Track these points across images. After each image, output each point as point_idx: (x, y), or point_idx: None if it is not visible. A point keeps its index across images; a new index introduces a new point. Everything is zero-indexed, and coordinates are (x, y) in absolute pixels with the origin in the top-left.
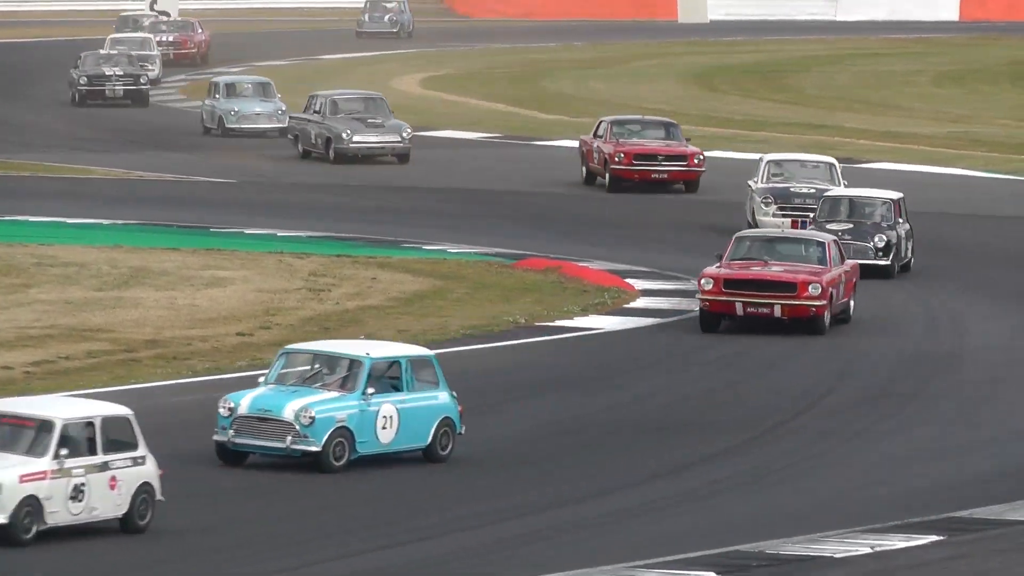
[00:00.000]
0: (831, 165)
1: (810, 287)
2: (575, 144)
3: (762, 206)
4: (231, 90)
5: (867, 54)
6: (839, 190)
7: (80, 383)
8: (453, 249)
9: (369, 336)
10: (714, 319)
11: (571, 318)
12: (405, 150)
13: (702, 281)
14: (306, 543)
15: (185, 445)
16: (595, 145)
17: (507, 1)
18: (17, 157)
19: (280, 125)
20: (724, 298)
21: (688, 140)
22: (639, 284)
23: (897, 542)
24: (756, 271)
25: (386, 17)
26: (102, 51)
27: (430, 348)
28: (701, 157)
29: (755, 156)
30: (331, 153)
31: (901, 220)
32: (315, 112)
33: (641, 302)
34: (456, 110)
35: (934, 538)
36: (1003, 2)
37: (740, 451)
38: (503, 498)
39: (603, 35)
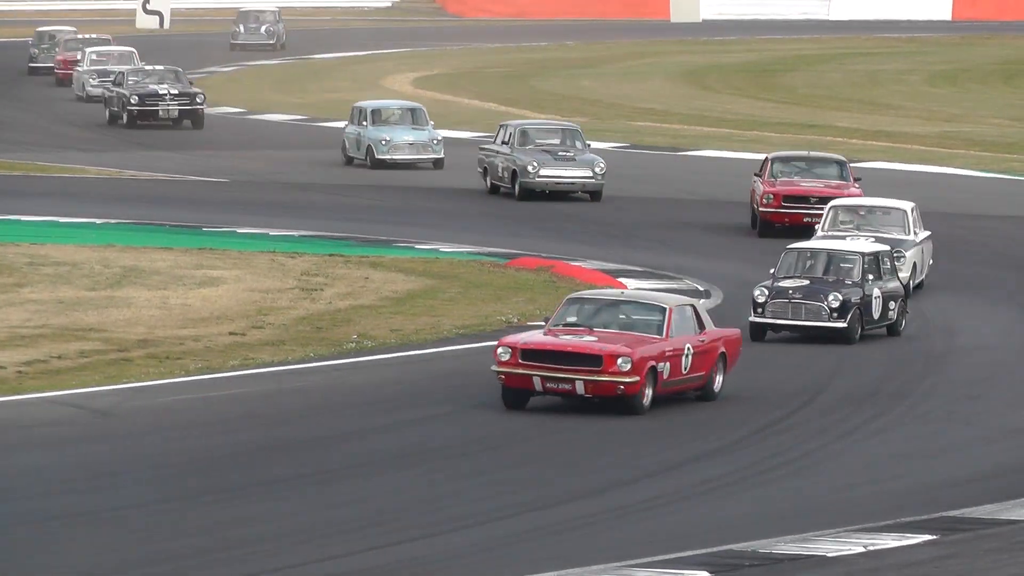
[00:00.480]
0: (904, 212)
1: (619, 361)
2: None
3: None
4: (377, 116)
5: (859, 53)
6: (799, 242)
7: (72, 383)
8: (445, 248)
9: (361, 336)
10: (515, 395)
11: None
12: (597, 187)
13: (499, 351)
14: (305, 543)
15: (176, 445)
16: (756, 184)
17: (499, 0)
18: (9, 156)
19: (436, 156)
20: (521, 371)
21: (858, 180)
22: (631, 283)
23: (890, 541)
24: (563, 340)
25: (263, 28)
26: (146, 66)
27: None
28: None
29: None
30: (516, 188)
31: (872, 278)
32: (503, 143)
33: None
34: (448, 109)
35: (927, 537)
36: (995, 1)
37: (732, 450)
38: (495, 498)
39: (595, 34)
